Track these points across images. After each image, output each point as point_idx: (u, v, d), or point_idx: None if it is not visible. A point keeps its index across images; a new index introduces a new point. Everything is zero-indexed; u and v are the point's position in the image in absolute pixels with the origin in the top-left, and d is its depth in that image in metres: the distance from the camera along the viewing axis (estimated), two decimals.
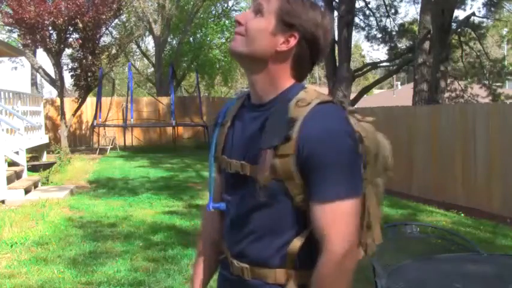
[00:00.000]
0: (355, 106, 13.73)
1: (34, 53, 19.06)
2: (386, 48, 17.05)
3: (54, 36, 13.54)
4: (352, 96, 14.14)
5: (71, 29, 13.48)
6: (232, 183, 1.33)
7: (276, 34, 1.25)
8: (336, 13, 12.58)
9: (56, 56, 13.92)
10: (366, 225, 1.29)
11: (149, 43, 31.18)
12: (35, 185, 8.56)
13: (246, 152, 1.28)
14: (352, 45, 12.66)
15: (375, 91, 35.41)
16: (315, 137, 1.17)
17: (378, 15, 16.88)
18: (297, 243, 1.22)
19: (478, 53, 15.31)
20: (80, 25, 13.05)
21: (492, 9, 14.81)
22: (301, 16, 1.25)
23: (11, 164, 8.67)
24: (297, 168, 1.18)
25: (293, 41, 1.25)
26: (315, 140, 1.17)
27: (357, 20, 16.08)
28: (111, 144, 16.34)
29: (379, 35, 16.90)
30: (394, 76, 27.18)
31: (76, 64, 14.27)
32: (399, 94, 30.21)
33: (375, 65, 17.70)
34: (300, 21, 1.25)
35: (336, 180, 1.17)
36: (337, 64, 11.57)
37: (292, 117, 1.19)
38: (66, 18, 12.76)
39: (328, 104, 1.23)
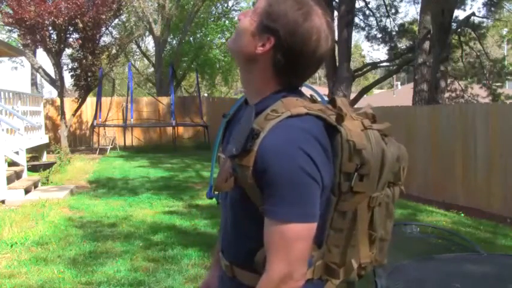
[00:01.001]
0: (355, 106, 13.73)
1: (34, 53, 19.05)
2: (387, 48, 17.06)
3: (54, 36, 13.53)
4: (352, 96, 14.14)
5: (71, 29, 13.48)
6: None
7: (255, 36, 1.21)
8: (336, 13, 12.59)
9: (56, 56, 13.92)
10: (352, 243, 1.22)
11: (149, 43, 31.19)
12: (35, 185, 8.56)
13: (229, 150, 1.26)
14: (352, 45, 12.66)
15: (375, 91, 35.39)
16: (269, 153, 1.11)
17: (378, 15, 16.88)
18: (262, 253, 1.17)
19: (478, 53, 15.30)
20: (80, 25, 13.04)
21: (492, 9, 14.81)
22: (279, 19, 1.18)
23: (11, 164, 8.67)
24: (254, 181, 1.14)
25: (268, 46, 1.19)
26: (269, 156, 1.11)
27: (357, 20, 16.08)
28: (111, 144, 16.33)
29: (379, 35, 16.89)
30: (394, 76, 27.18)
31: (76, 64, 14.26)
32: (399, 94, 30.21)
33: (374, 65, 17.70)
34: (277, 25, 1.18)
35: (283, 201, 1.11)
36: (337, 64, 11.56)
37: (255, 128, 1.14)
38: (66, 18, 12.75)
39: (299, 117, 1.15)
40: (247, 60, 1.24)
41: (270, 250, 1.14)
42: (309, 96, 1.28)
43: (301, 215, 1.12)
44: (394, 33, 16.50)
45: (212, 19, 25.77)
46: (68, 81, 20.69)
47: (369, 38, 17.19)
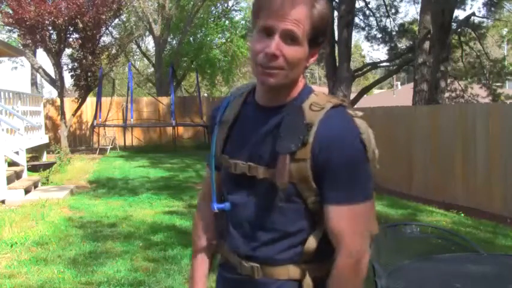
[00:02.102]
0: (355, 106, 13.74)
1: (34, 53, 19.05)
2: (386, 48, 17.05)
3: (54, 36, 13.54)
4: (352, 96, 14.14)
5: (71, 29, 13.48)
6: (238, 184, 1.31)
7: (308, 55, 1.24)
8: (336, 13, 12.58)
9: (56, 56, 13.92)
10: None
11: (149, 43, 31.23)
12: (35, 185, 8.56)
13: (254, 154, 1.27)
14: (352, 45, 12.66)
15: (375, 91, 35.39)
16: (331, 141, 1.19)
17: (378, 15, 16.87)
18: (313, 242, 1.25)
19: (478, 53, 15.29)
20: (80, 25, 13.05)
21: (492, 9, 14.79)
22: (327, 28, 1.24)
23: (11, 164, 8.67)
24: (312, 172, 1.20)
25: (317, 54, 1.26)
26: (331, 145, 1.19)
27: (357, 20, 16.06)
28: (111, 144, 16.34)
29: (379, 35, 16.88)
30: (394, 76, 27.16)
31: (76, 64, 14.26)
32: (399, 94, 30.18)
33: (375, 65, 17.68)
34: (327, 33, 1.25)
35: (351, 183, 1.21)
36: (337, 64, 11.56)
37: (308, 122, 1.20)
38: (66, 18, 12.76)
39: (339, 107, 1.24)
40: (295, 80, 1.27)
41: (345, 232, 1.21)
42: None
43: (368, 194, 1.23)
44: (394, 33, 16.48)
45: (212, 19, 25.77)
46: (68, 81, 20.78)
47: (368, 38, 17.18)
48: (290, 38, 1.19)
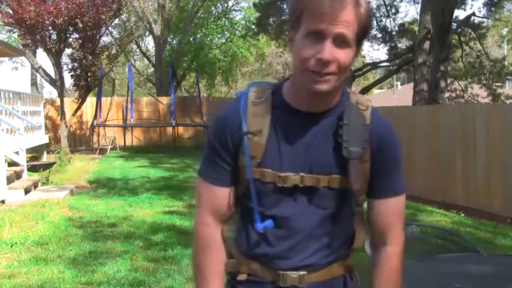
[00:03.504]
0: None
1: (34, 53, 19.04)
2: (387, 48, 17.03)
3: (54, 36, 13.53)
4: None
5: (71, 29, 13.48)
6: (286, 197, 1.24)
7: (355, 55, 1.20)
8: None
9: (56, 56, 13.92)
10: None
11: (149, 43, 31.19)
12: (35, 185, 8.56)
13: (307, 163, 1.22)
14: None
15: (375, 91, 35.34)
16: (384, 140, 1.26)
17: (378, 15, 16.85)
18: (360, 239, 1.30)
19: (478, 53, 15.28)
20: (80, 25, 13.04)
21: (492, 9, 14.77)
22: (372, 23, 1.27)
23: (11, 164, 8.67)
24: (370, 171, 1.25)
25: (360, 50, 1.25)
26: (384, 143, 1.26)
27: None
28: (111, 144, 16.33)
29: (379, 35, 16.87)
30: (394, 76, 27.14)
31: (76, 64, 14.26)
32: (399, 94, 30.16)
33: (375, 65, 17.67)
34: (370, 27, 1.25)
35: (398, 177, 1.30)
36: None
37: (368, 124, 1.23)
38: (66, 18, 12.75)
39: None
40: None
41: (394, 222, 1.30)
42: None
43: (406, 185, 1.32)
44: (394, 33, 16.47)
45: (212, 19, 25.77)
46: (68, 81, 20.70)
47: (369, 38, 17.14)
48: (341, 41, 1.13)
